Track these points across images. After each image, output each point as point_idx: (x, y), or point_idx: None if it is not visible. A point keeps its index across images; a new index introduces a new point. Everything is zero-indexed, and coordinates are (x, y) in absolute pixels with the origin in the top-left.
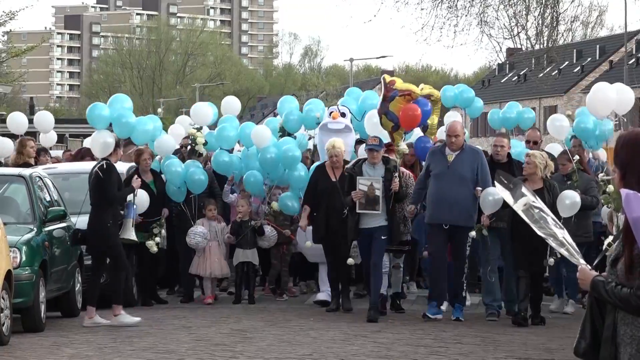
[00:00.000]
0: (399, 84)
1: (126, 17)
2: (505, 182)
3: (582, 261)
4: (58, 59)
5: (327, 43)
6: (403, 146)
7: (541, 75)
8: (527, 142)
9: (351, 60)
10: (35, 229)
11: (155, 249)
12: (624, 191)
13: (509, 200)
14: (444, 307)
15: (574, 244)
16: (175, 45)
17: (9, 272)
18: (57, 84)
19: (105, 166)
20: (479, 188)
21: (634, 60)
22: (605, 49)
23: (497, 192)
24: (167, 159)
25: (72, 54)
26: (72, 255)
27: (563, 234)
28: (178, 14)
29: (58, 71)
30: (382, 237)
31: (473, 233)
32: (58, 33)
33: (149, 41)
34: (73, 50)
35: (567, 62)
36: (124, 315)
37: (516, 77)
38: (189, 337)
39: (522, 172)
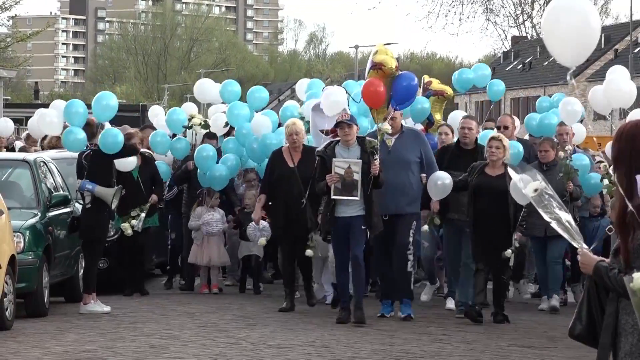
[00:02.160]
0: (435, 84)
1: (131, 2)
2: (518, 170)
3: (584, 245)
4: (63, 44)
5: (332, 30)
6: (386, 126)
7: (546, 63)
8: (498, 127)
9: (356, 47)
10: (39, 214)
11: (129, 231)
12: (639, 178)
13: (520, 185)
14: (451, 304)
15: (577, 228)
16: (180, 31)
17: (12, 257)
18: (62, 69)
19: (92, 153)
20: (424, 175)
21: (639, 49)
22: (610, 37)
23: (445, 177)
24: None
25: (77, 39)
26: (76, 241)
27: (567, 218)
28: (183, 0)
29: (63, 56)
30: (362, 227)
31: (509, 251)
32: (63, 18)
33: (154, 27)
34: (78, 36)
35: None
36: (92, 305)
37: (521, 65)
38: (192, 323)
39: (489, 156)
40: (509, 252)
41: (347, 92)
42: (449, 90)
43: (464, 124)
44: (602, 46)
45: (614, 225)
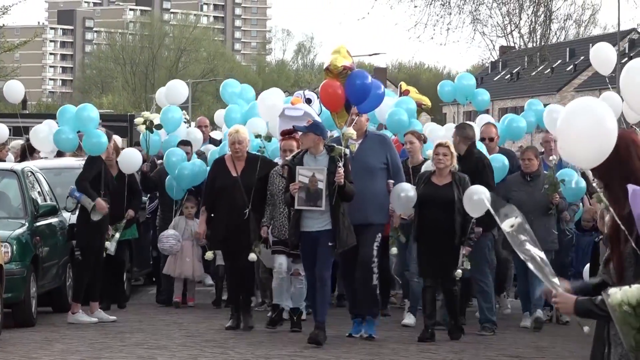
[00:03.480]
0: (413, 93)
1: (119, 12)
2: (496, 203)
3: (558, 284)
4: (51, 54)
5: (320, 40)
6: (350, 130)
7: (534, 73)
8: (482, 139)
9: None
10: (26, 223)
11: (111, 250)
12: (630, 187)
13: (496, 219)
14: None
15: (550, 268)
16: (168, 40)
17: (0, 267)
18: (50, 79)
19: (87, 158)
20: (391, 181)
21: (626, 59)
22: None
23: (409, 189)
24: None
25: (65, 49)
26: (64, 250)
27: (541, 255)
28: (171, 10)
29: (51, 66)
30: (329, 244)
31: (459, 272)
32: (51, 28)
33: (142, 37)
34: (66, 46)
35: (559, 61)
36: (80, 314)
37: (509, 75)
38: (179, 333)
39: (435, 164)
40: (459, 272)
41: (318, 98)
42: (426, 101)
43: (524, 155)
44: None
45: (605, 235)
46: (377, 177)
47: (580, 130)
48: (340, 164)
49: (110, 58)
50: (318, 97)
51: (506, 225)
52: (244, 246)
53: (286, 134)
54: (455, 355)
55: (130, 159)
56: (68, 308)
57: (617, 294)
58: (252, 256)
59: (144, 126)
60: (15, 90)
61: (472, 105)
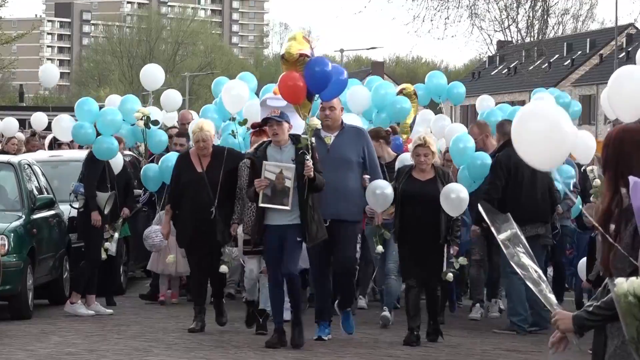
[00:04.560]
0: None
1: (117, 5)
2: (491, 213)
3: (555, 302)
4: (48, 46)
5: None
6: (314, 120)
7: (531, 68)
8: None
9: (342, 50)
10: (23, 216)
11: (104, 255)
12: (632, 179)
13: (493, 231)
14: (477, 314)
15: (548, 285)
16: (165, 34)
17: None
18: None
19: (89, 156)
20: (367, 176)
21: (624, 54)
22: (595, 42)
23: (385, 185)
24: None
25: (62, 41)
26: (61, 243)
27: (536, 269)
28: (169, 3)
29: (48, 59)
30: (297, 239)
31: (451, 275)
32: (48, 21)
33: (139, 30)
34: (63, 38)
35: (557, 56)
36: (78, 305)
37: (506, 70)
38: (176, 326)
39: (418, 165)
40: (450, 275)
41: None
42: (408, 87)
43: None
44: (588, 51)
45: (600, 227)
46: (352, 172)
47: (534, 134)
48: (309, 156)
49: (108, 51)
50: None
51: (502, 237)
52: (211, 247)
53: (256, 127)
54: (452, 349)
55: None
56: (65, 300)
57: (623, 284)
58: (224, 268)
59: (142, 122)
60: (50, 73)
61: (449, 101)
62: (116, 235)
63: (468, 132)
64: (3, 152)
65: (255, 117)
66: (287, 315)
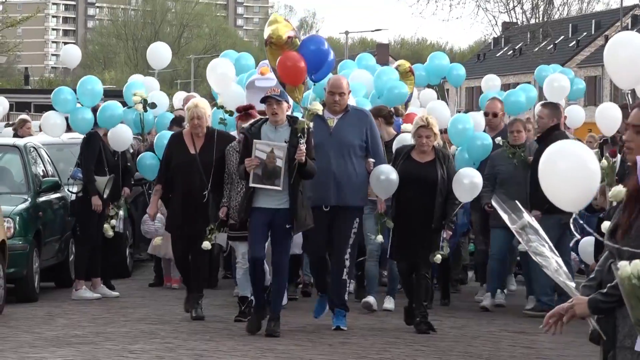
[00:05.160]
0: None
1: None
2: (503, 204)
3: (574, 288)
4: (53, 29)
5: (323, 15)
6: (316, 105)
7: (537, 49)
8: (486, 114)
9: (347, 33)
10: (29, 199)
11: (110, 233)
12: (639, 158)
13: (508, 224)
14: (501, 298)
15: (566, 270)
16: (170, 16)
17: (2, 242)
18: (52, 55)
19: (86, 136)
20: (372, 160)
21: None
22: (600, 23)
23: (390, 171)
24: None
25: (67, 24)
26: (66, 226)
27: (556, 259)
28: None
29: (53, 42)
30: (286, 226)
31: (439, 257)
32: (53, 3)
33: (144, 12)
34: (68, 21)
35: (562, 37)
36: (83, 291)
37: (512, 52)
38: (182, 309)
39: (419, 147)
40: (438, 257)
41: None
42: (402, 63)
43: (537, 112)
44: (593, 32)
45: (626, 198)
46: (355, 155)
47: (564, 173)
48: (303, 140)
49: (113, 34)
50: None
51: (515, 227)
52: (201, 232)
53: (242, 111)
54: (458, 330)
55: (121, 136)
56: (71, 283)
57: (626, 267)
58: (206, 244)
59: (140, 105)
60: (72, 54)
61: (448, 83)
62: (121, 212)
63: (538, 113)
64: (17, 136)
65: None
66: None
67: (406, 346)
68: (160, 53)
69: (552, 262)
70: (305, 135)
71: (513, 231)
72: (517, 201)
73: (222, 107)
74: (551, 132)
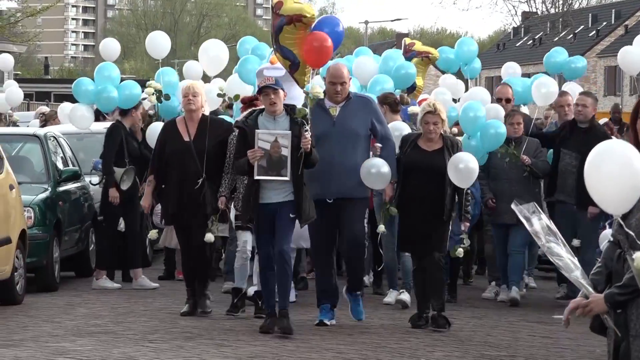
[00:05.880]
0: (418, 46)
1: None
2: (522, 207)
3: (590, 289)
4: (73, 19)
5: (342, 5)
6: (318, 89)
7: (556, 39)
8: (499, 99)
9: (366, 22)
10: (49, 188)
11: (122, 226)
12: None
13: (527, 226)
14: (491, 293)
15: (582, 270)
16: (189, 6)
17: (23, 232)
18: (72, 44)
19: (109, 127)
20: (378, 144)
21: None
22: (620, 13)
23: (381, 164)
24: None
25: (87, 14)
26: (86, 215)
27: (572, 259)
28: None
29: (73, 31)
30: (290, 216)
31: (461, 251)
32: None
33: (163, 2)
34: (88, 11)
35: (582, 27)
36: (104, 280)
37: (531, 41)
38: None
39: (426, 134)
40: (460, 251)
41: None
42: (434, 52)
43: (579, 100)
44: (613, 22)
45: None
46: (360, 145)
47: (609, 175)
48: (307, 127)
49: (132, 23)
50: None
51: (533, 230)
52: (198, 221)
53: (247, 102)
54: (478, 320)
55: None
56: (91, 273)
57: None
58: (209, 236)
59: (154, 97)
60: (111, 47)
61: (462, 71)
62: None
63: (580, 102)
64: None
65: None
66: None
67: (425, 336)
68: (159, 42)
69: (568, 262)
70: (309, 123)
71: (531, 233)
72: (534, 203)
73: (222, 94)
74: (594, 123)
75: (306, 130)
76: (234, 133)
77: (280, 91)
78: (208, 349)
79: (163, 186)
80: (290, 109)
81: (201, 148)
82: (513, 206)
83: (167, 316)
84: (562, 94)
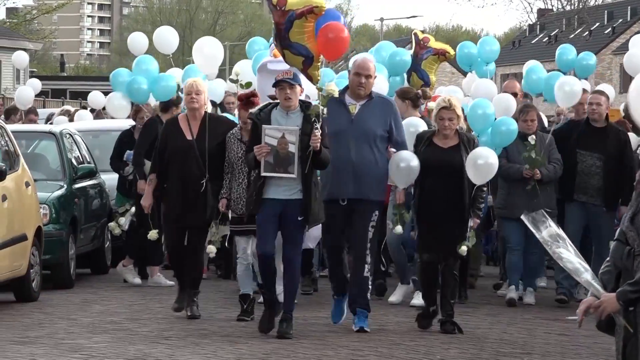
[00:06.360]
0: (433, 42)
1: None
2: (532, 218)
3: (601, 290)
4: (89, 16)
5: (358, 2)
6: (332, 86)
7: (572, 36)
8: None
9: (382, 19)
10: (65, 185)
11: (117, 231)
12: None
13: (536, 235)
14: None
15: (593, 273)
16: (205, 3)
17: (39, 229)
18: (88, 42)
19: (146, 121)
20: (392, 149)
21: None
22: (637, 10)
23: (411, 158)
24: None
25: (102, 11)
26: (102, 212)
27: (581, 262)
28: None
29: (89, 29)
30: (298, 219)
31: (464, 249)
32: None
33: None
34: (103, 8)
35: (598, 24)
36: (128, 269)
37: (547, 38)
38: (218, 295)
39: (442, 130)
40: (464, 249)
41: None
42: (450, 50)
43: (592, 99)
44: (629, 19)
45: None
46: (377, 146)
47: None
48: (318, 125)
49: (148, 20)
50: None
51: (542, 237)
52: (199, 224)
53: (244, 99)
54: (493, 318)
55: None
56: (107, 270)
57: None
58: (211, 248)
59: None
60: (138, 42)
61: (474, 71)
62: (132, 209)
63: (594, 100)
64: None
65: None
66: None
67: (441, 333)
68: (166, 38)
69: (578, 266)
70: (320, 121)
71: (540, 241)
72: (542, 211)
73: (235, 80)
74: (609, 121)
75: (316, 129)
76: (231, 131)
77: (297, 87)
78: (223, 347)
79: (165, 185)
80: (305, 105)
81: (204, 147)
82: (523, 217)
83: (183, 314)
84: (585, 91)
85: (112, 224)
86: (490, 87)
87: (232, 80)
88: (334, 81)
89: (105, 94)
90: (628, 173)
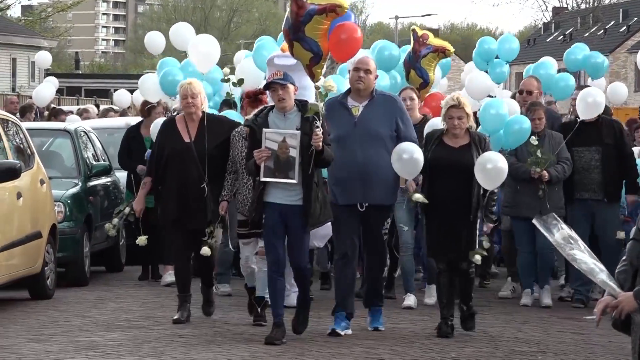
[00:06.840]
0: (432, 39)
1: None
2: (543, 221)
3: (618, 289)
4: (103, 14)
5: (373, 0)
6: (330, 82)
7: (587, 34)
8: (520, 92)
9: (396, 18)
10: (80, 183)
11: (112, 232)
12: None
13: (549, 238)
14: (508, 291)
15: (608, 273)
16: (220, 1)
17: (53, 226)
18: (103, 39)
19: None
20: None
21: None
22: None
23: (413, 149)
24: None
25: (117, 9)
26: None
27: (596, 263)
28: None
29: (103, 26)
30: (301, 225)
31: (478, 258)
32: None
33: None
34: (118, 6)
35: (613, 22)
36: (168, 275)
37: (562, 37)
38: (233, 293)
39: (450, 129)
40: (478, 258)
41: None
42: (450, 47)
43: (523, 86)
44: None
45: None
46: (384, 148)
47: None
48: (318, 124)
49: (163, 18)
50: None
51: (554, 240)
52: (198, 226)
53: (252, 96)
54: (507, 316)
55: None
56: (121, 268)
57: None
58: (205, 250)
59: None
60: (156, 41)
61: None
62: (127, 209)
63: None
64: None
65: (253, 78)
66: (290, 300)
67: (455, 332)
68: (182, 34)
69: (593, 267)
70: (320, 119)
71: (554, 244)
72: (553, 214)
73: (228, 79)
74: (601, 115)
75: (317, 127)
76: (237, 129)
77: (290, 86)
78: (238, 344)
79: (160, 188)
80: (302, 105)
81: (203, 149)
82: (534, 221)
83: (197, 311)
84: (583, 88)
85: (107, 225)
86: (485, 81)
87: (223, 81)
88: (327, 78)
89: (131, 91)
90: (628, 162)
